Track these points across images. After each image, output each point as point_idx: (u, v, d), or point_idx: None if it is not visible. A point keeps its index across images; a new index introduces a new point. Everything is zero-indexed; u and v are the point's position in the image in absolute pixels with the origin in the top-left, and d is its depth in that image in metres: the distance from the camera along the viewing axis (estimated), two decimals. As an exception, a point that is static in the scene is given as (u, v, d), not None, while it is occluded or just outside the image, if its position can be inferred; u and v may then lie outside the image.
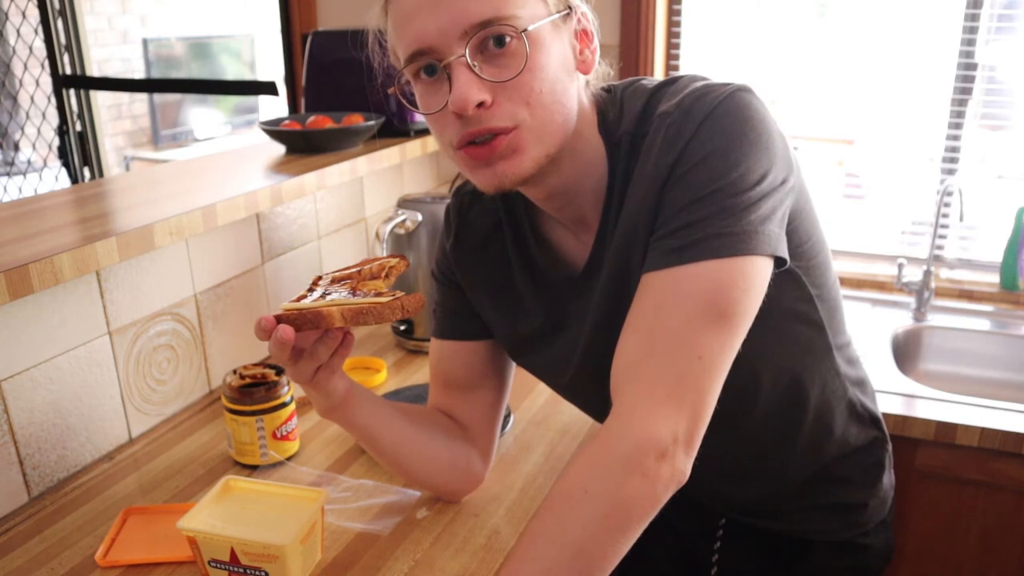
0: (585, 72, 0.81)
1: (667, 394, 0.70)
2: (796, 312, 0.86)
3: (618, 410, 0.72)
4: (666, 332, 0.72)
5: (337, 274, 0.91)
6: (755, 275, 0.73)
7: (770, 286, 0.75)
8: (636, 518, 0.69)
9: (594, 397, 0.89)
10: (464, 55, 0.73)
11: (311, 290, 0.87)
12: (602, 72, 0.85)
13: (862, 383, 0.99)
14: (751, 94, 0.77)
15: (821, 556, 1.02)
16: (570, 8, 0.78)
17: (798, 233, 0.81)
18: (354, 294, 0.84)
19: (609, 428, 0.72)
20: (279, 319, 0.81)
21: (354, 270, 0.90)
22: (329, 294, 0.85)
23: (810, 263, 0.84)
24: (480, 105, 0.74)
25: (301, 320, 0.81)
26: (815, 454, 0.95)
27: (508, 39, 0.73)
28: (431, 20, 0.73)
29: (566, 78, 0.78)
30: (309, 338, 0.83)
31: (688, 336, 0.71)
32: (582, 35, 0.80)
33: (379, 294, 0.83)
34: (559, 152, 0.79)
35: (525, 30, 0.73)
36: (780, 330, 0.85)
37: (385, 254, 1.45)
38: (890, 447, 1.05)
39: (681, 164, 0.75)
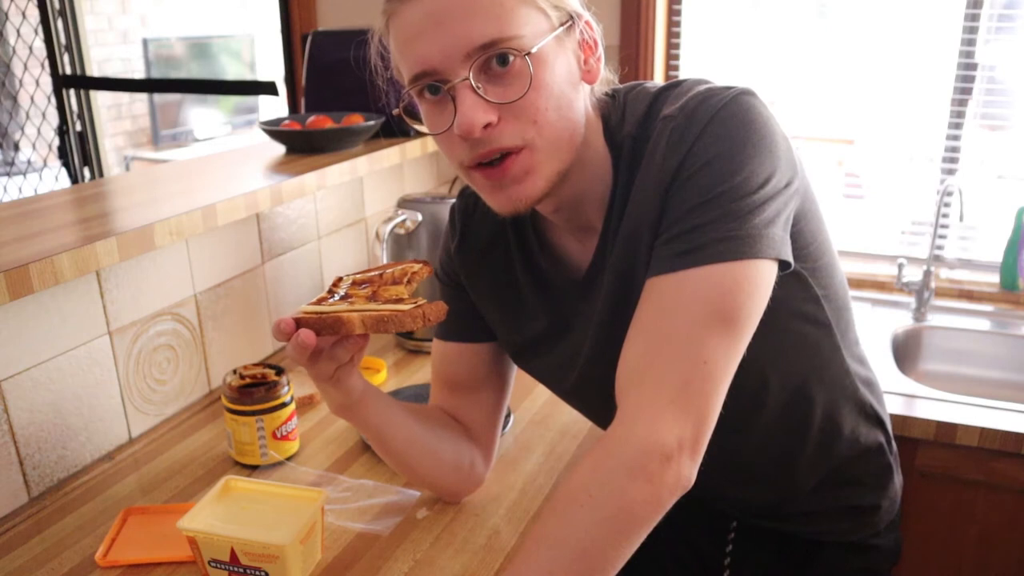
0: (590, 82, 0.81)
1: (672, 399, 0.70)
2: (803, 313, 0.86)
3: (623, 414, 0.72)
4: (671, 336, 0.72)
5: (359, 276, 0.90)
6: (760, 279, 0.73)
7: (776, 288, 0.75)
8: (640, 522, 0.69)
9: (597, 401, 0.89)
10: (468, 77, 0.73)
11: (331, 292, 0.87)
12: (606, 77, 0.84)
13: (870, 383, 0.99)
14: (754, 97, 0.77)
15: (832, 557, 1.02)
16: (573, 19, 0.78)
17: (803, 235, 0.81)
18: (375, 299, 0.84)
19: (614, 432, 0.72)
20: (299, 322, 0.81)
21: (375, 274, 0.89)
22: (350, 298, 0.85)
23: (816, 264, 0.84)
24: (487, 126, 0.73)
25: (321, 325, 0.81)
26: (825, 454, 0.95)
27: (512, 59, 0.73)
28: (434, 42, 0.72)
29: (571, 91, 0.77)
30: (328, 339, 0.83)
31: (693, 341, 0.71)
32: (586, 45, 0.79)
33: (400, 300, 0.82)
34: (571, 164, 0.79)
35: (529, 52, 0.73)
36: (787, 331, 0.85)
37: (385, 253, 1.45)
38: (896, 448, 1.05)
39: (685, 168, 0.75)
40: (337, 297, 0.85)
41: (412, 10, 0.73)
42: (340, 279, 0.90)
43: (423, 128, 0.80)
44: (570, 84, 0.77)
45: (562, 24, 0.76)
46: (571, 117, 0.77)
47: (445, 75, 0.74)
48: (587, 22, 0.79)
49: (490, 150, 0.75)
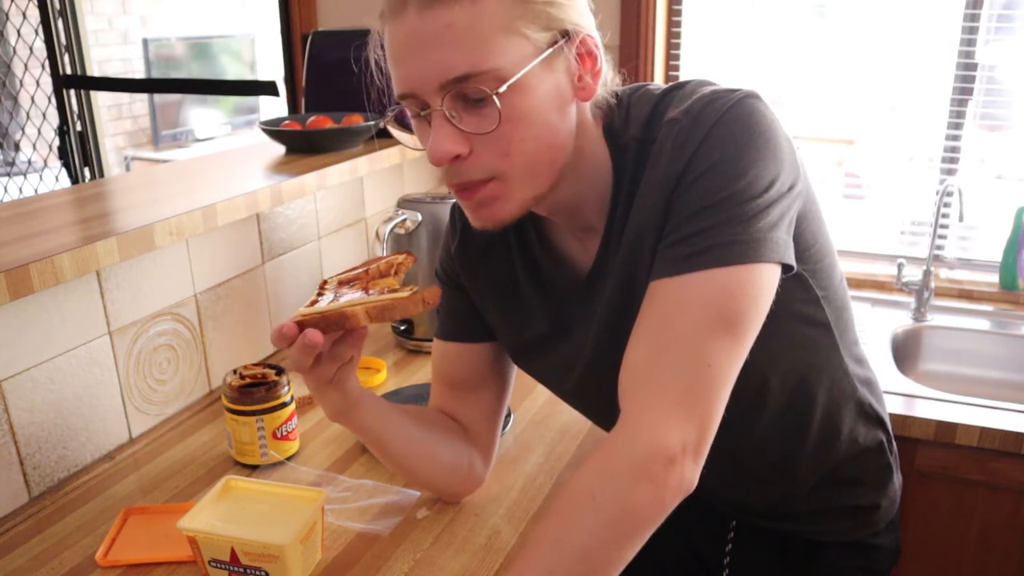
0: (584, 99, 0.78)
1: (676, 402, 0.70)
2: (803, 314, 0.86)
3: (627, 417, 0.72)
4: (675, 340, 0.72)
5: (343, 276, 0.90)
6: (763, 282, 0.73)
7: (777, 289, 0.75)
8: (643, 525, 0.69)
9: (598, 403, 0.89)
10: (441, 107, 0.73)
11: (320, 294, 0.87)
12: (610, 80, 0.83)
13: (870, 383, 0.99)
14: (759, 100, 0.77)
15: (832, 557, 1.02)
16: (569, 35, 0.75)
17: (805, 236, 0.81)
18: (367, 293, 0.84)
19: (617, 435, 0.72)
20: (300, 324, 0.80)
21: (360, 271, 0.90)
22: (342, 296, 0.85)
23: (817, 265, 0.84)
24: (457, 157, 0.74)
25: (325, 323, 0.80)
26: (825, 454, 0.95)
27: (485, 94, 0.72)
28: (414, 68, 0.73)
29: (556, 115, 0.75)
30: (327, 341, 0.83)
31: (697, 344, 0.71)
32: (584, 58, 0.76)
33: (393, 290, 0.83)
34: (551, 186, 0.78)
35: (498, 91, 0.71)
36: (787, 332, 0.85)
37: (385, 254, 1.45)
38: (896, 448, 1.05)
39: (690, 171, 0.75)
40: (329, 298, 0.85)
41: (397, 29, 0.74)
42: (325, 282, 0.91)
43: (406, 141, 0.80)
44: (556, 107, 0.75)
45: (552, 45, 0.74)
46: (552, 143, 0.76)
47: (423, 100, 0.74)
48: (587, 36, 0.76)
49: (458, 183, 0.77)
